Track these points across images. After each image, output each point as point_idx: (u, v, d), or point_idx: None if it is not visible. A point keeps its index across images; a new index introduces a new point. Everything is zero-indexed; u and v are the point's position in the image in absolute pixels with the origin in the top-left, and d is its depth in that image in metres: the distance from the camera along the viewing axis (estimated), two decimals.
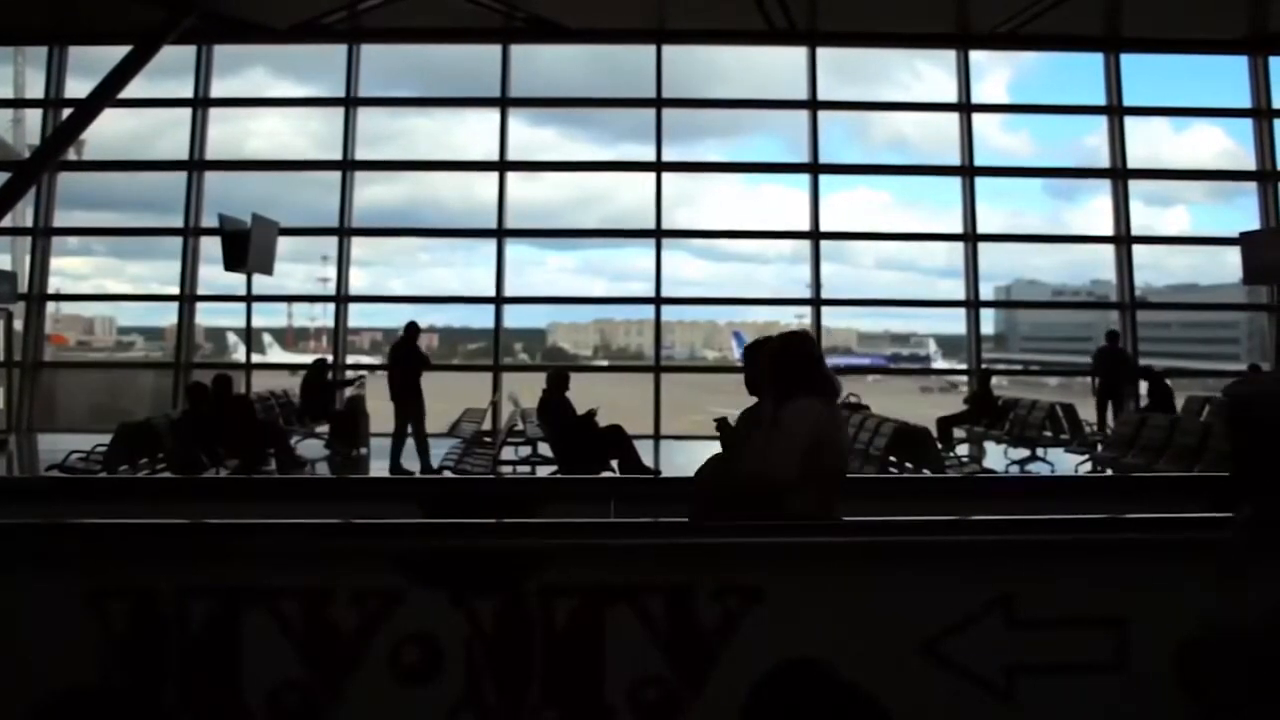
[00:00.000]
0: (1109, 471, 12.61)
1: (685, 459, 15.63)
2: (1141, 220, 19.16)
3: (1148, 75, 19.45)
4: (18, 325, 18.19)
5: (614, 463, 11.59)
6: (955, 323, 19.26)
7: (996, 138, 23.29)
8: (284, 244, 16.27)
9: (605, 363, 23.74)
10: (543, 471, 12.57)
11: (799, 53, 18.52)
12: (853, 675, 3.65)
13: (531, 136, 20.48)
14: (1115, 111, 18.60)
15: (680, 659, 3.64)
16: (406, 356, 14.12)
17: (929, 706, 3.69)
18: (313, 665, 3.61)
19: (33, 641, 3.59)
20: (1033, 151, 22.27)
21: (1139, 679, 3.74)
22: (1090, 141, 19.77)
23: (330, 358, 18.20)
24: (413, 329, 14.44)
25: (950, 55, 18.68)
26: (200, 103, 18.72)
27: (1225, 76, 18.93)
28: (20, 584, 3.63)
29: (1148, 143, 20.06)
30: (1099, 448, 13.89)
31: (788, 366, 4.40)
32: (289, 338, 25.22)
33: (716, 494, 4.38)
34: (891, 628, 3.70)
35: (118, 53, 15.02)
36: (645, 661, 3.62)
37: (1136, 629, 3.75)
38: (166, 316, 19.69)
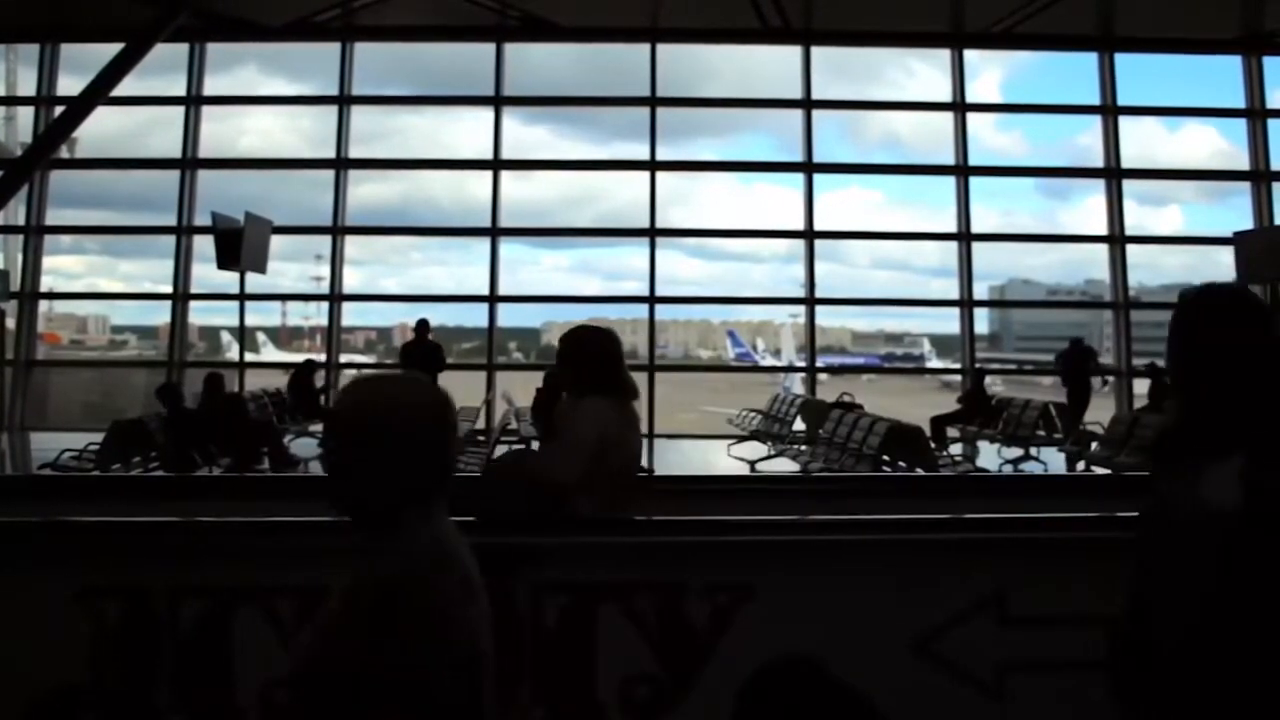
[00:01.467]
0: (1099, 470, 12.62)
1: (679, 458, 15.71)
2: (1135, 220, 19.23)
3: (1142, 75, 19.48)
4: (10, 323, 18.15)
5: None
6: (949, 322, 19.30)
7: (990, 137, 23.33)
8: (277, 242, 16.26)
9: None
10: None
11: (793, 51, 18.53)
12: (844, 673, 3.64)
13: (524, 135, 20.47)
14: (1109, 111, 18.61)
15: (671, 657, 3.64)
16: (425, 354, 14.11)
17: (921, 704, 3.68)
18: None
19: (25, 640, 3.57)
20: (1027, 151, 22.32)
21: None
22: (1084, 141, 19.81)
23: (318, 357, 18.21)
24: (424, 326, 14.44)
25: (943, 54, 18.69)
26: (193, 101, 18.69)
27: (1219, 76, 18.96)
28: (12, 582, 3.62)
29: (1142, 142, 20.10)
30: (1094, 446, 13.90)
31: (581, 365, 4.30)
32: (283, 336, 25.21)
33: (509, 490, 4.28)
34: (883, 625, 3.69)
35: (110, 50, 15.01)
36: (636, 659, 3.62)
37: None
38: (160, 315, 19.66)
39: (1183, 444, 2.53)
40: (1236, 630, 2.25)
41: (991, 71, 24.94)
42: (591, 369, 4.27)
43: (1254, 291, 2.52)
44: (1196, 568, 2.33)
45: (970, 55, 18.78)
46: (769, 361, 25.10)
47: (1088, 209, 19.76)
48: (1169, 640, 2.39)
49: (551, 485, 4.05)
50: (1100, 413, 15.87)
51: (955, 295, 18.74)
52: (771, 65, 19.32)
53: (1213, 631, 2.29)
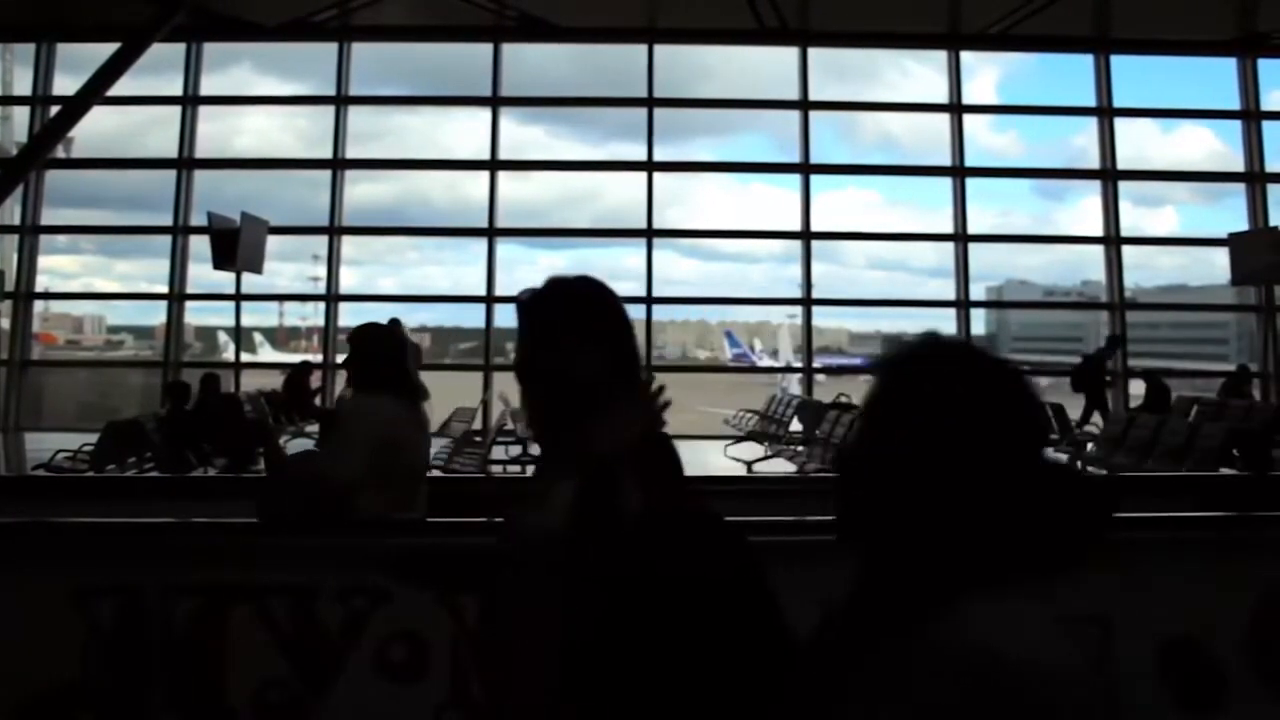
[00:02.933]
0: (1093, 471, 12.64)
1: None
2: (1131, 221, 19.26)
3: (1138, 76, 19.51)
4: (4, 324, 18.14)
5: None
6: (947, 323, 19.29)
7: (986, 137, 23.37)
8: (274, 242, 16.25)
9: None
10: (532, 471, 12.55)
11: (790, 52, 18.53)
12: None
13: (519, 135, 20.50)
14: (1105, 113, 18.64)
15: None
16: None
17: None
18: (298, 663, 3.60)
19: (17, 640, 3.57)
20: (1023, 151, 22.33)
21: (1122, 677, 3.74)
22: (1079, 142, 19.84)
23: (314, 358, 18.22)
24: (397, 326, 14.44)
25: (939, 54, 18.70)
26: (190, 100, 18.67)
27: (1215, 78, 19.00)
28: (4, 582, 3.62)
29: (1138, 144, 20.13)
30: (1088, 446, 13.92)
31: (360, 361, 4.27)
32: (280, 336, 25.18)
33: (293, 490, 4.21)
34: None
35: (107, 50, 15.00)
36: None
37: (1120, 627, 3.75)
38: (157, 315, 19.64)
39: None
40: None
41: (988, 72, 25.00)
42: (376, 366, 4.22)
43: (600, 288, 2.21)
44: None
45: (966, 56, 18.78)
46: (766, 362, 25.10)
47: (1083, 210, 19.80)
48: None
49: (332, 484, 3.95)
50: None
51: (952, 296, 18.75)
52: (769, 66, 19.34)
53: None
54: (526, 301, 2.18)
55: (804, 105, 18.60)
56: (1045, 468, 1.48)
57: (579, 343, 2.12)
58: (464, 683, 3.61)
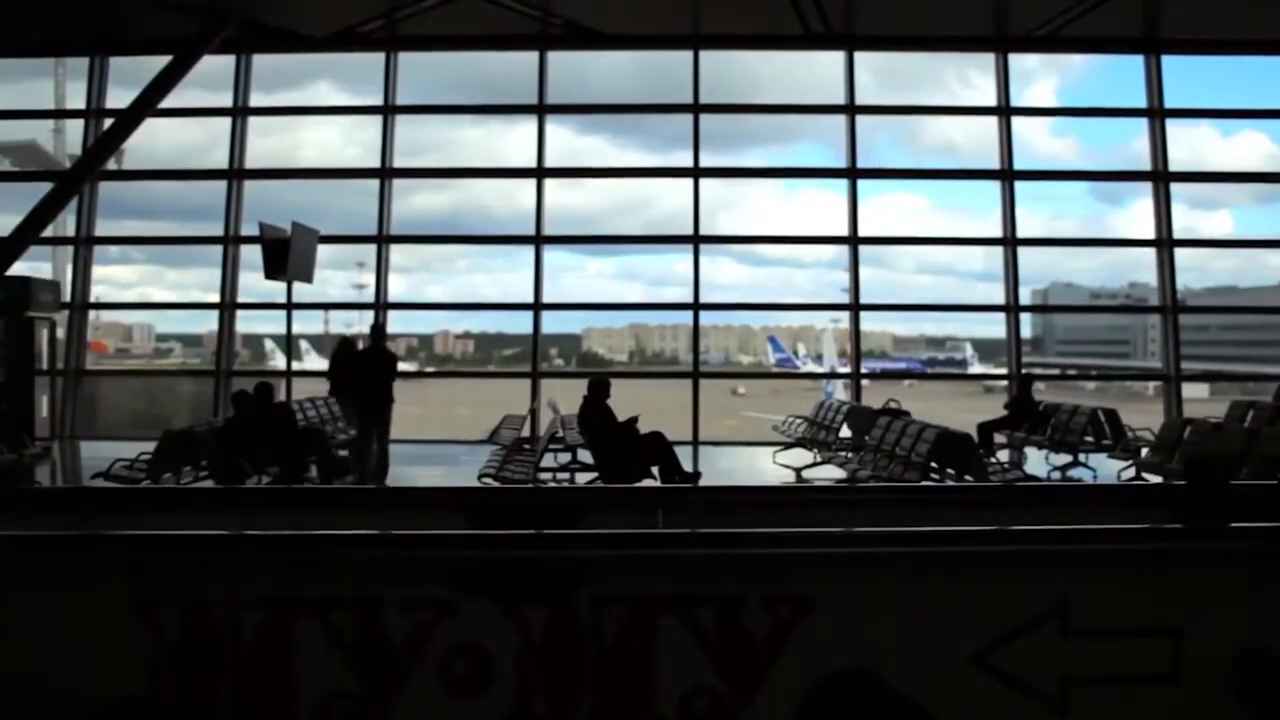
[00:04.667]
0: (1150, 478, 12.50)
1: (726, 464, 15.71)
2: (1186, 223, 19.05)
3: (1195, 77, 19.24)
4: (60, 334, 18.40)
5: (655, 469, 11.55)
6: (991, 326, 19.19)
7: (1044, 142, 23.17)
8: (323, 251, 16.37)
9: (643, 369, 23.75)
10: (581, 478, 12.61)
11: (838, 57, 18.46)
12: (904, 686, 3.62)
13: (582, 144, 20.58)
14: (1156, 114, 18.42)
15: (731, 669, 3.62)
16: (382, 362, 14.05)
17: (981, 718, 3.65)
18: (364, 676, 3.61)
19: (83, 652, 3.61)
20: (1082, 156, 22.14)
21: (1196, 690, 3.69)
22: (1138, 145, 19.54)
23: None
24: (381, 332, 14.48)
25: (988, 58, 18.56)
26: (239, 112, 18.87)
27: (1273, 77, 18.73)
28: (71, 595, 3.65)
29: (1194, 146, 19.92)
30: (1144, 453, 13.74)
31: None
32: (326, 344, 25.37)
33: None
34: (943, 637, 3.66)
35: (158, 63, 15.19)
36: (696, 672, 3.61)
37: (1193, 640, 3.70)
38: (204, 323, 19.87)
39: None
40: None
41: (1048, 77, 24.77)
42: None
43: None
44: None
45: (1029, 61, 18.67)
46: (809, 367, 25.05)
47: (1138, 213, 19.59)
48: None
49: None
50: (1151, 418, 15.72)
51: (999, 299, 18.62)
52: (822, 72, 19.25)
53: None
54: None
55: (850, 110, 18.53)
56: None
57: None
58: (528, 696, 3.61)
